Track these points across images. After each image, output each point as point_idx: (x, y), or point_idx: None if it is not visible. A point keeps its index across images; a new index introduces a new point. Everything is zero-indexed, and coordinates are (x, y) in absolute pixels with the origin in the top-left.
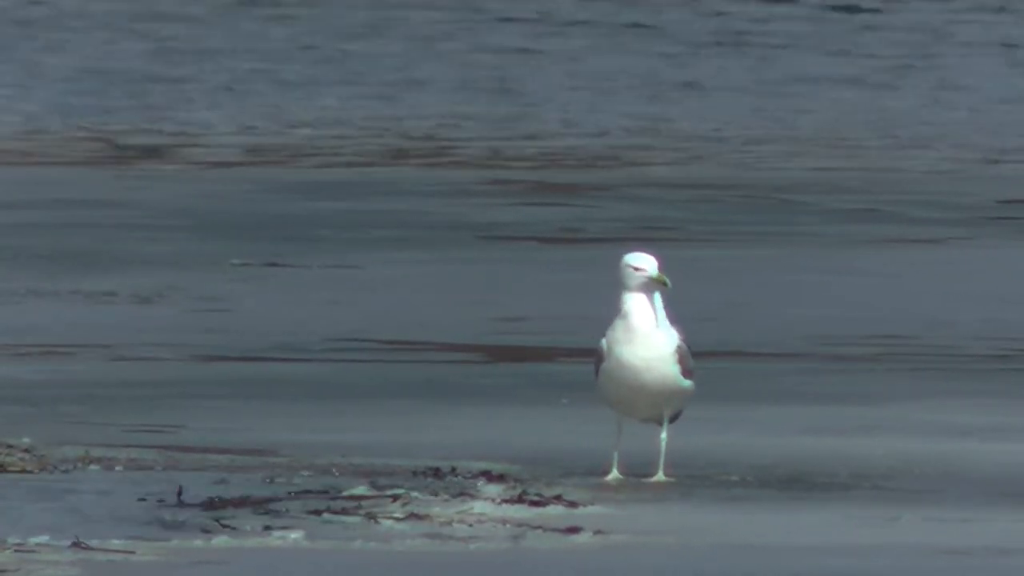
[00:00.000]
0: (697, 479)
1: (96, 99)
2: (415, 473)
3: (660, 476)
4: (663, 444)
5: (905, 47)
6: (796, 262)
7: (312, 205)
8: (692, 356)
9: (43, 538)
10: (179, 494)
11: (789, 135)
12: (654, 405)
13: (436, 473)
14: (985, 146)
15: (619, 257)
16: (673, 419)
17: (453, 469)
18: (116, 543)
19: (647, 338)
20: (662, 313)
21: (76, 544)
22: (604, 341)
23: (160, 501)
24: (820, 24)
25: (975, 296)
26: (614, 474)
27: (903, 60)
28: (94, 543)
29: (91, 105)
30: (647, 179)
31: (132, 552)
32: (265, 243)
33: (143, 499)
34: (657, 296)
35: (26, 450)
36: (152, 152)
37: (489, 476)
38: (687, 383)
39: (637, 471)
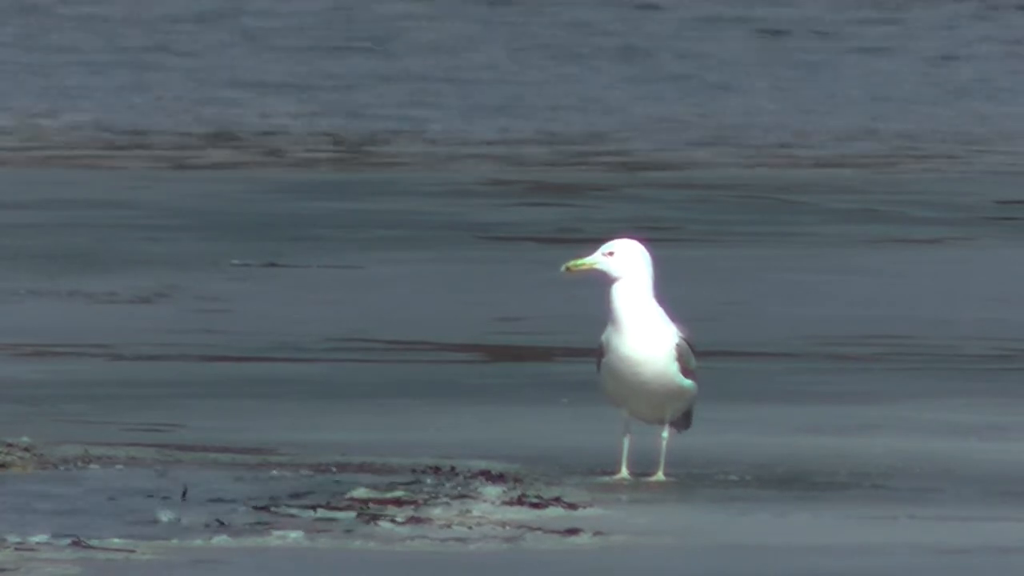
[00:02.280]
0: (696, 479)
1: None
2: (414, 472)
3: (660, 476)
4: (664, 443)
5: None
6: (796, 262)
7: (312, 205)
8: (696, 355)
9: (43, 537)
10: (184, 495)
11: (791, 133)
12: (655, 404)
13: (436, 472)
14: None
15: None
16: (684, 426)
17: (452, 468)
18: (116, 542)
19: (643, 334)
20: (659, 310)
21: (76, 543)
22: (604, 336)
23: (163, 498)
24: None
25: (975, 296)
26: (623, 473)
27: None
28: (94, 542)
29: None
30: (647, 179)
31: (132, 551)
32: (265, 243)
33: (143, 497)
34: (648, 277)
35: (26, 449)
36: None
37: (489, 476)
38: (687, 383)
39: (637, 470)
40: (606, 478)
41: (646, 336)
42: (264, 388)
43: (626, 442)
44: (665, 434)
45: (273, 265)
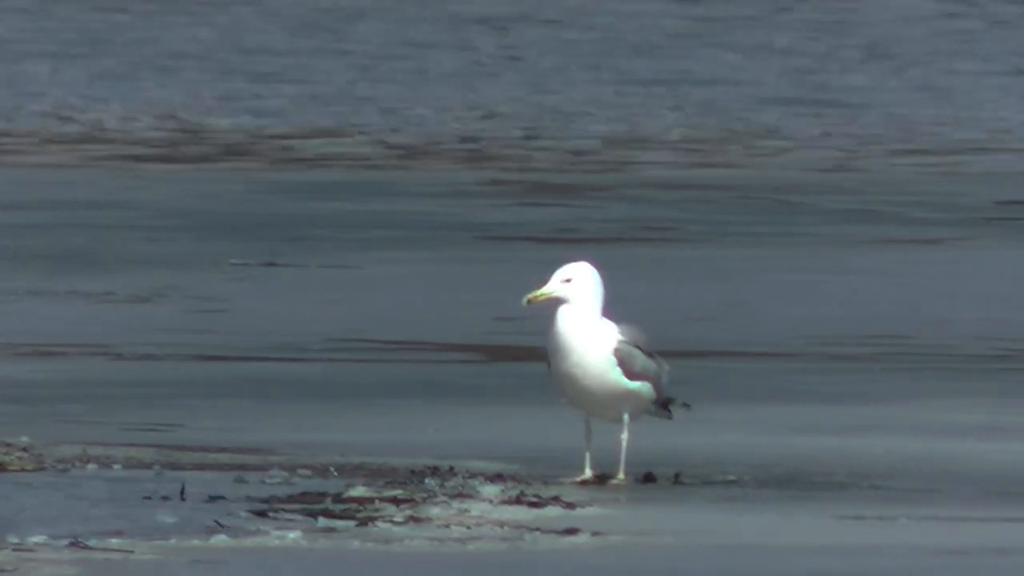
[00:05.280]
0: (695, 478)
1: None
2: (414, 472)
3: (620, 477)
4: (623, 444)
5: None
6: (795, 262)
7: (312, 205)
8: (655, 355)
9: (41, 537)
10: (182, 492)
11: (790, 134)
12: (605, 407)
13: (435, 472)
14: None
15: (618, 257)
16: (665, 417)
17: (451, 468)
18: (114, 542)
19: (578, 345)
20: (601, 322)
21: (74, 543)
22: (547, 345)
23: (163, 498)
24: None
25: (975, 296)
26: (586, 474)
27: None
28: (92, 542)
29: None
30: (646, 179)
31: (130, 551)
32: (265, 243)
33: (142, 498)
34: (597, 293)
35: (24, 449)
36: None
37: (487, 476)
38: (633, 385)
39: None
40: (569, 479)
41: (581, 351)
42: (263, 388)
43: (588, 443)
44: (624, 435)
45: (272, 265)
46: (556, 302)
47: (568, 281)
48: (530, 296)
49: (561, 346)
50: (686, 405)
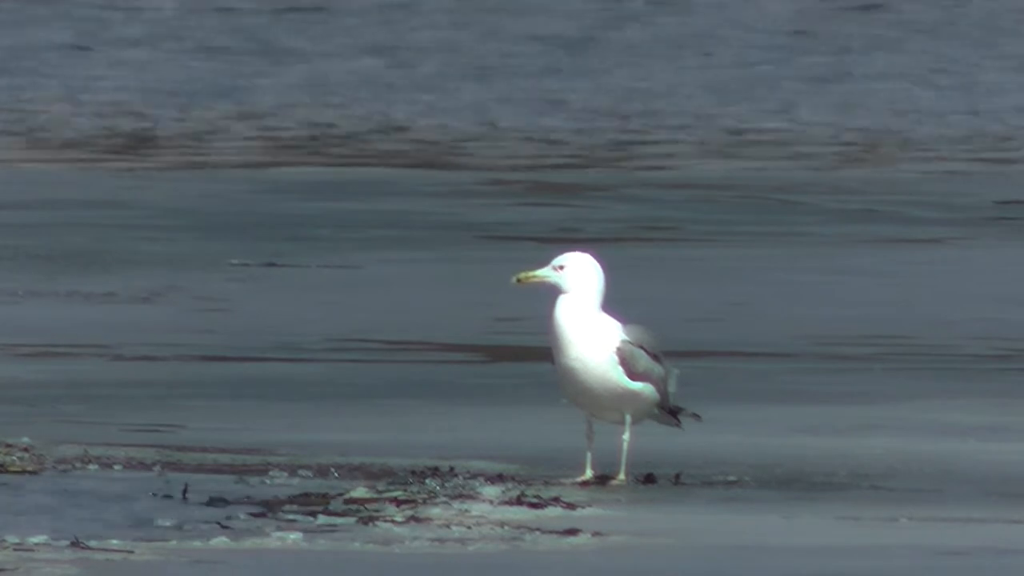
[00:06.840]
0: (696, 479)
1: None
2: (414, 473)
3: (621, 478)
4: (624, 445)
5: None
6: (796, 262)
7: (312, 205)
8: (662, 357)
9: (42, 538)
10: (184, 493)
11: (790, 133)
12: (607, 407)
13: (435, 473)
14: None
15: (618, 257)
16: (674, 423)
17: (452, 469)
18: (115, 543)
19: (579, 342)
20: (603, 319)
21: (75, 544)
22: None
23: (164, 498)
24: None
25: (975, 296)
26: (587, 475)
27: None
28: (93, 543)
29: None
30: (646, 179)
31: (131, 552)
32: (265, 243)
33: (142, 498)
34: (597, 290)
35: (25, 449)
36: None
37: (488, 476)
38: (636, 385)
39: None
40: (570, 479)
41: (582, 346)
42: (264, 388)
43: (590, 443)
44: (626, 436)
45: (272, 265)
46: (548, 287)
47: (561, 268)
48: (521, 275)
49: (561, 339)
50: (696, 416)
